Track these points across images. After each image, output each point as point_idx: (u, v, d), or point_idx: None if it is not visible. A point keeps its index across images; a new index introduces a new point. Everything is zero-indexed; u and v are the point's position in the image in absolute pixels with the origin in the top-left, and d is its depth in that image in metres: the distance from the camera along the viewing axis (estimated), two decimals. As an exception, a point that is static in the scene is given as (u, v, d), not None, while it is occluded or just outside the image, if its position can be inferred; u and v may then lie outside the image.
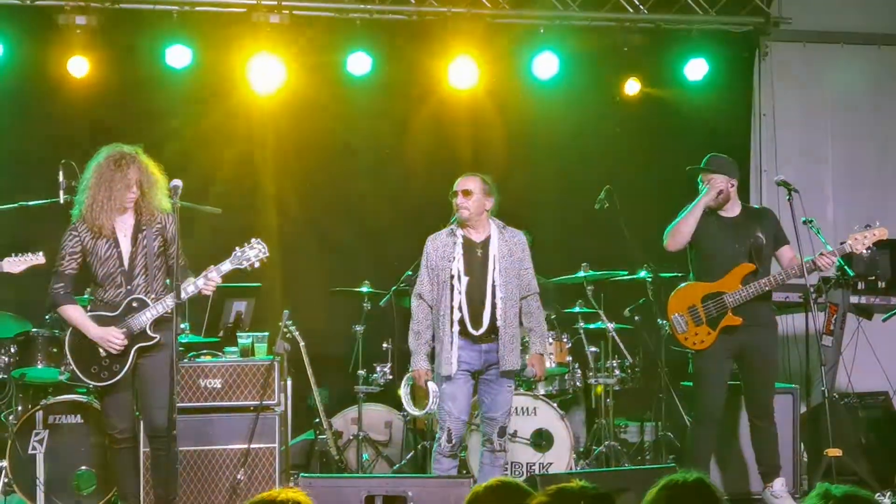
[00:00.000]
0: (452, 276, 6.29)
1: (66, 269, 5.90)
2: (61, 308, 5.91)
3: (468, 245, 6.38)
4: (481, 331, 6.28)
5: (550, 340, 7.43)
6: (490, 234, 6.40)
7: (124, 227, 5.90)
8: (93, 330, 5.82)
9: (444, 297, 6.30)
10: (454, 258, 6.32)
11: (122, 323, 5.82)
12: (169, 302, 5.79)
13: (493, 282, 6.31)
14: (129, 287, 5.85)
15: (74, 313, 5.89)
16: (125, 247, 5.88)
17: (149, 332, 5.82)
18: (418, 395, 6.33)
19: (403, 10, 8.72)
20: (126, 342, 5.80)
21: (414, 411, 6.40)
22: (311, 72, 8.65)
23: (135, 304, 5.83)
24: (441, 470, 6.20)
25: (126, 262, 5.86)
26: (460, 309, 6.27)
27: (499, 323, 6.28)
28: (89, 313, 5.89)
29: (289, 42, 8.42)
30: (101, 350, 5.82)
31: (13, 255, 6.17)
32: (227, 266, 5.89)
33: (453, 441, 6.25)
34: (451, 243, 6.37)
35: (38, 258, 6.18)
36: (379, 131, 8.76)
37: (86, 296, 6.27)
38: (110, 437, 6.00)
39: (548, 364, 7.38)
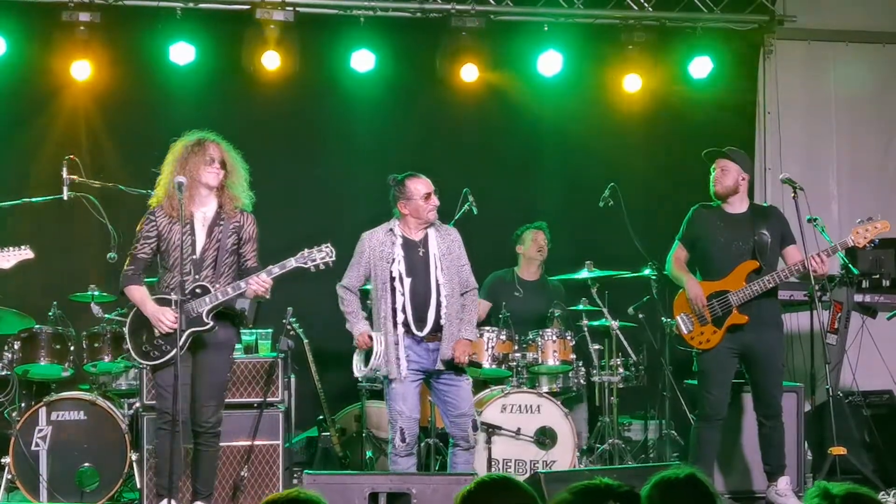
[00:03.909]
0: (393, 279, 6.19)
1: (139, 253, 5.88)
2: (127, 288, 5.89)
3: (408, 245, 6.26)
4: (426, 331, 6.20)
5: (554, 338, 7.42)
6: (427, 232, 6.32)
7: (203, 217, 5.88)
8: (150, 306, 5.80)
9: (384, 300, 6.19)
10: (393, 259, 6.21)
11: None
12: (230, 290, 5.77)
13: (437, 281, 6.23)
14: (197, 277, 5.81)
15: (137, 293, 5.87)
16: (200, 237, 5.84)
17: (204, 317, 5.76)
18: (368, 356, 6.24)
19: (407, 7, 8.72)
20: (175, 323, 5.71)
21: (360, 372, 6.31)
22: (315, 69, 8.66)
23: (198, 290, 5.79)
24: (402, 470, 6.12)
25: (199, 252, 5.82)
26: (403, 311, 6.18)
27: (443, 322, 6.21)
28: (154, 296, 5.86)
29: (293, 39, 8.41)
30: (155, 330, 5.79)
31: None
32: (291, 263, 5.84)
33: (407, 440, 6.15)
34: (390, 243, 6.26)
35: (27, 253, 6.09)
36: (383, 128, 8.75)
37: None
38: (165, 417, 5.79)
39: (552, 361, 7.39)
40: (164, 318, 5.75)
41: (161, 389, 5.84)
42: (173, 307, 5.74)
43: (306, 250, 5.85)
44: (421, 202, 6.26)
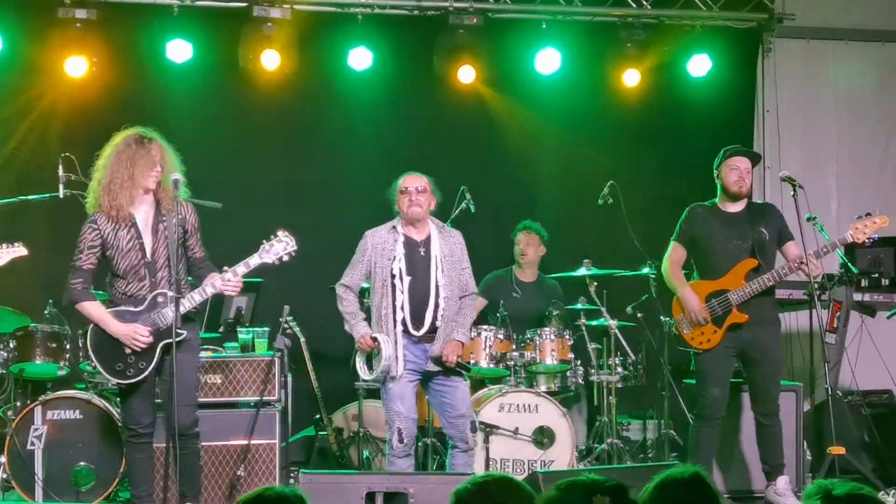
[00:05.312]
0: (394, 276, 6.16)
1: (85, 264, 5.73)
2: (80, 305, 5.74)
3: (410, 244, 6.24)
4: (423, 331, 6.17)
5: (552, 337, 7.39)
6: (430, 234, 6.30)
7: (145, 216, 5.75)
8: (114, 326, 5.66)
9: (384, 297, 6.16)
10: (395, 257, 6.18)
11: (147, 318, 5.67)
12: (196, 297, 5.69)
13: (437, 282, 6.21)
14: (153, 280, 5.69)
15: (94, 310, 5.73)
16: (147, 238, 5.71)
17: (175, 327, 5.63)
18: (372, 359, 6.19)
19: (405, 5, 8.69)
20: (151, 339, 5.65)
21: (368, 375, 6.25)
22: (312, 67, 8.63)
23: (160, 299, 5.67)
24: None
25: (149, 254, 5.70)
26: (402, 309, 6.15)
27: (439, 323, 6.18)
28: (111, 309, 5.73)
29: (290, 37, 8.39)
30: (125, 347, 5.66)
31: None
32: (254, 260, 5.76)
33: (405, 441, 6.10)
34: (392, 241, 6.23)
35: (20, 250, 6.02)
36: (381, 126, 8.72)
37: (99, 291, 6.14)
38: (132, 432, 5.82)
39: (550, 361, 7.35)
40: (139, 338, 5.64)
41: (135, 406, 5.75)
42: (142, 321, 5.64)
43: (265, 243, 5.79)
44: (402, 198, 6.26)
